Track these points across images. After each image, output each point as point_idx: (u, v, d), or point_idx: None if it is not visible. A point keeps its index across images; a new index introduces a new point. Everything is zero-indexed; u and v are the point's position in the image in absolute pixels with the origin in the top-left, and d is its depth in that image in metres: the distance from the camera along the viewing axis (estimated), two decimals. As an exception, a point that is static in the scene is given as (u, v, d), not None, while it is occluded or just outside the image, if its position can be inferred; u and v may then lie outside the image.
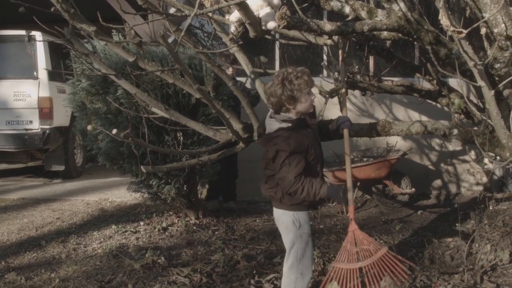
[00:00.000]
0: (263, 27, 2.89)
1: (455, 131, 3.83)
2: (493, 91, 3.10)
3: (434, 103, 5.60)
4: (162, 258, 4.12)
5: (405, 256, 4.07)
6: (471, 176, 6.72)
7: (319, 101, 5.14)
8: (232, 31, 2.95)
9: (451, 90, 4.79)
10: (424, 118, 6.52)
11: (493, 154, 3.80)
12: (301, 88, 2.68)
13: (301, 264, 2.87)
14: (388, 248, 3.14)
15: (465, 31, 2.65)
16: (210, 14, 3.00)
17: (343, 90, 3.79)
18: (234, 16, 2.87)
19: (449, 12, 2.78)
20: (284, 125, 2.76)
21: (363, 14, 3.61)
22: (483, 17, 3.22)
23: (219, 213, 5.68)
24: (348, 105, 6.68)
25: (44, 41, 7.20)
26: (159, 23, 5.36)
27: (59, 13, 2.67)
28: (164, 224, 5.12)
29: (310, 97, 2.74)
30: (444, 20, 2.67)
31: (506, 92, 3.79)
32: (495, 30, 3.25)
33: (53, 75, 7.62)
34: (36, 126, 7.41)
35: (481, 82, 3.01)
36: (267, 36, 3.72)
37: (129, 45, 3.73)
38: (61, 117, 7.72)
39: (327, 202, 6.08)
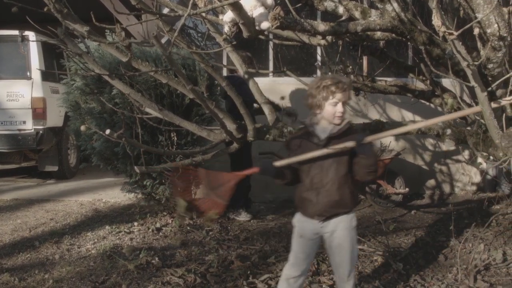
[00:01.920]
0: (257, 27, 2.89)
1: (449, 131, 3.85)
2: (486, 92, 3.11)
3: (427, 103, 5.61)
4: (156, 258, 4.11)
5: (399, 256, 4.09)
6: (464, 176, 6.75)
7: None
8: (226, 31, 2.95)
9: (444, 90, 4.81)
10: (417, 118, 6.55)
11: (487, 154, 3.82)
12: (326, 96, 2.63)
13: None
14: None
15: (456, 33, 2.65)
16: (203, 14, 3.00)
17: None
18: (228, 16, 2.88)
19: (442, 13, 2.79)
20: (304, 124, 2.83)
21: (357, 14, 3.62)
22: (476, 18, 3.23)
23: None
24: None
25: (37, 41, 7.17)
26: (153, 23, 5.36)
27: (52, 13, 2.66)
28: (158, 225, 5.11)
29: (335, 107, 2.64)
30: (436, 20, 2.67)
31: (499, 92, 3.80)
32: (488, 31, 3.26)
33: (46, 75, 7.59)
34: (29, 126, 7.38)
35: (474, 83, 3.01)
36: (260, 36, 3.72)
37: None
38: (55, 117, 7.70)
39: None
